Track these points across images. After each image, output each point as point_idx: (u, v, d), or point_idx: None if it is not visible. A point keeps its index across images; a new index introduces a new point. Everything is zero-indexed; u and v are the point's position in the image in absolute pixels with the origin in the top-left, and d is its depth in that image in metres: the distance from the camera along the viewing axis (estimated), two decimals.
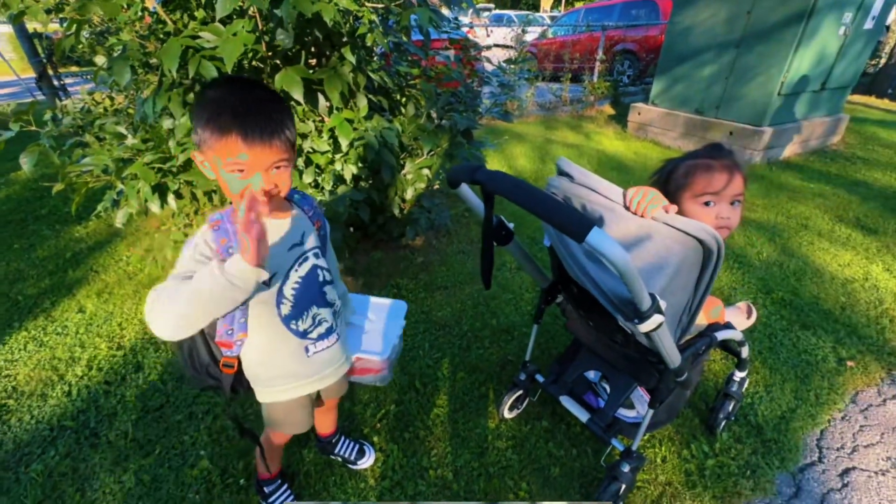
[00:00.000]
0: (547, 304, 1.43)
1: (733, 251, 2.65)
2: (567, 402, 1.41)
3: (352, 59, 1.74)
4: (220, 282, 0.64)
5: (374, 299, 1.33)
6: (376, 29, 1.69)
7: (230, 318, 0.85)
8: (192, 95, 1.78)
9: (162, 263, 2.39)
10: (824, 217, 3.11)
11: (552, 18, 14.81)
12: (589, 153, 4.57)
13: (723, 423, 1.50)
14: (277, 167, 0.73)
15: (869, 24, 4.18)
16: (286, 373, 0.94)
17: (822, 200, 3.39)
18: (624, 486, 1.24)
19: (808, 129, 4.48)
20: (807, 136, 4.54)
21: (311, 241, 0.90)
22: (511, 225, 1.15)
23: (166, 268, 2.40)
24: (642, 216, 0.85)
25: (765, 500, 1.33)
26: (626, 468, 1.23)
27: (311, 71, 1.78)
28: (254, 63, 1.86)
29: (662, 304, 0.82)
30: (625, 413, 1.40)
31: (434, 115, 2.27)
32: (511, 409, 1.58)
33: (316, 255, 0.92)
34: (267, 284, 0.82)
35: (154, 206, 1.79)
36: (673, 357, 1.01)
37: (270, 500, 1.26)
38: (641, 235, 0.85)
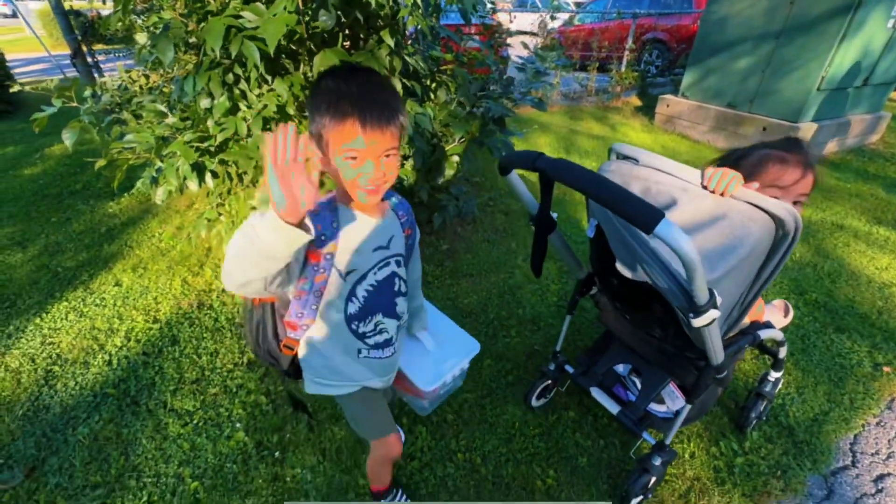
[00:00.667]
0: (582, 295, 1.42)
1: None
2: (597, 393, 1.42)
3: (391, 42, 1.72)
4: (249, 232, 0.59)
5: (452, 325, 1.25)
6: (417, 11, 1.67)
7: (303, 301, 0.82)
8: (230, 76, 1.79)
9: (196, 242, 2.45)
10: (861, 218, 3.01)
11: (578, 5, 14.45)
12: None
13: (754, 423, 1.49)
14: (388, 155, 0.72)
15: None
16: (333, 369, 0.92)
17: (859, 201, 3.28)
18: (654, 479, 1.25)
19: (846, 126, 4.32)
20: (845, 133, 4.37)
21: (397, 247, 0.88)
22: (555, 214, 1.14)
23: (199, 246, 2.45)
24: (721, 194, 0.83)
25: (795, 500, 1.32)
26: (657, 461, 1.23)
27: (349, 53, 1.77)
28: (291, 46, 1.86)
29: (718, 300, 0.81)
30: (655, 407, 1.40)
31: (465, 101, 2.25)
32: (539, 398, 1.59)
33: (398, 263, 0.90)
34: (343, 278, 0.81)
35: (193, 185, 1.82)
36: (718, 354, 1.00)
37: None
38: (717, 214, 0.83)
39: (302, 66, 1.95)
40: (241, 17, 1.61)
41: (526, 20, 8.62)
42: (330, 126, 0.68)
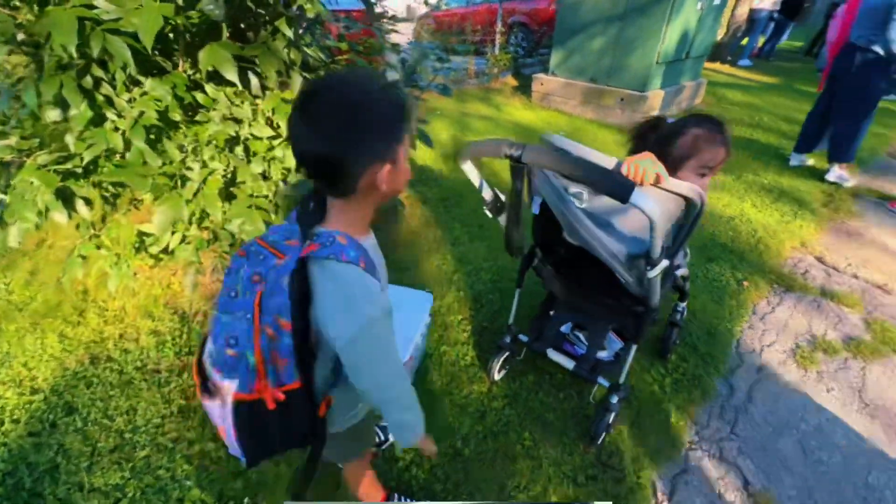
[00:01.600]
0: (527, 268, 1.53)
1: None
2: (553, 354, 1.55)
3: (289, 32, 1.59)
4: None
5: (399, 289, 1.18)
6: None
7: None
8: (88, 79, 1.47)
9: (69, 286, 1.99)
10: None
11: None
12: (504, 124, 4.77)
13: (671, 348, 1.79)
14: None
15: (717, 1, 4.94)
16: (354, 397, 0.88)
17: None
18: (614, 415, 1.43)
19: (681, 91, 5.22)
20: (679, 99, 5.28)
21: None
22: (503, 196, 1.20)
23: (72, 290, 2.01)
24: (641, 183, 0.95)
25: (711, 402, 1.63)
26: (615, 399, 1.40)
27: (240, 48, 1.58)
28: (170, 41, 1.60)
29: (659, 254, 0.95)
30: (600, 354, 1.59)
31: None
32: (500, 370, 1.68)
33: None
34: None
35: (60, 216, 1.47)
36: (657, 297, 1.17)
37: None
38: None
39: (181, 63, 1.69)
40: (93, 6, 1.33)
41: (390, 4, 8.53)
42: (404, 140, 0.66)
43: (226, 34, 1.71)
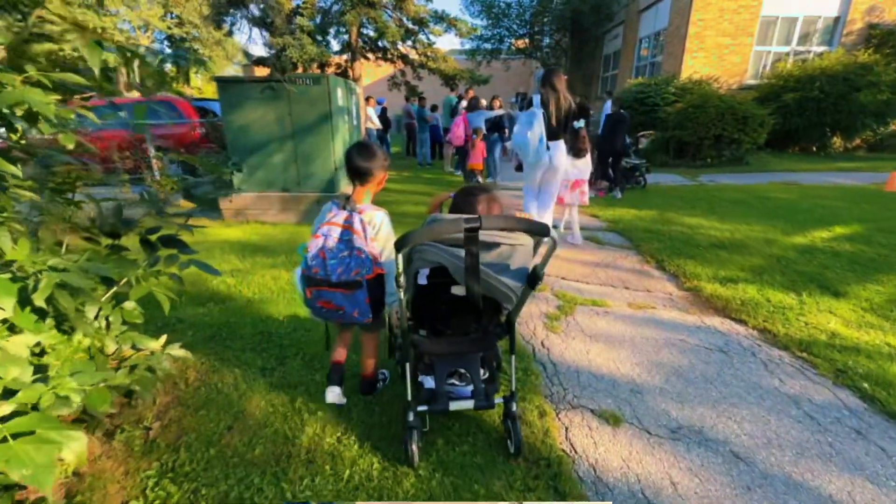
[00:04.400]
0: (410, 342, 1.66)
1: None
2: (454, 405, 1.72)
3: None
4: None
5: None
6: None
7: None
8: None
9: None
10: None
11: None
12: (217, 246, 4.36)
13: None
14: None
15: (354, 122, 6.51)
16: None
17: None
18: (519, 415, 1.75)
19: None
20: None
21: None
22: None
23: None
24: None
25: (544, 379, 2.23)
26: (514, 407, 1.73)
27: None
28: None
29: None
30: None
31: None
32: (417, 451, 1.67)
33: None
34: None
35: None
36: (522, 308, 1.62)
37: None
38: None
39: None
40: None
41: None
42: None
43: None
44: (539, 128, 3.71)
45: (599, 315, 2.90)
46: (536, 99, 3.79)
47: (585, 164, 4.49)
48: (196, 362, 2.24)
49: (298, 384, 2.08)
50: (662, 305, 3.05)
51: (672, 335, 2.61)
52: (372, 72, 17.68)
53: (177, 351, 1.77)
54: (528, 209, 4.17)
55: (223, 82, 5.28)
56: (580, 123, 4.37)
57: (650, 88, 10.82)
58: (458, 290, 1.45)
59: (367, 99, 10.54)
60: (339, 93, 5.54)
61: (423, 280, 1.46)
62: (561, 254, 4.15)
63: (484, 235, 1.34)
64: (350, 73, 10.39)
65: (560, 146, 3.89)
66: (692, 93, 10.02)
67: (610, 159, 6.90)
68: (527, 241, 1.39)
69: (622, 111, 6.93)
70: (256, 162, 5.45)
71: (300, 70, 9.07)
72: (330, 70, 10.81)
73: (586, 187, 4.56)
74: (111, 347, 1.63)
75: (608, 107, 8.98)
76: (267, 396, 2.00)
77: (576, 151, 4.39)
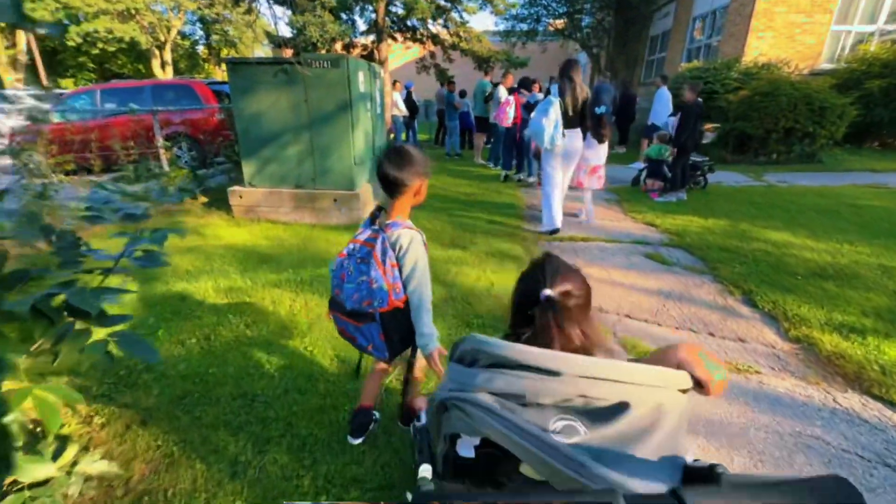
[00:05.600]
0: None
1: None
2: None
3: None
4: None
5: None
6: None
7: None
8: None
9: None
10: (436, 248, 4.09)
11: (40, 98, 11.32)
12: (219, 253, 3.84)
13: None
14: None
15: (378, 110, 5.84)
16: None
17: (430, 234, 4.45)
18: None
19: (377, 187, 5.77)
20: (378, 191, 5.83)
21: None
22: None
23: None
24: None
25: None
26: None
27: None
28: None
29: None
30: None
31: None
32: None
33: None
34: None
35: None
36: None
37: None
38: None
39: None
40: None
41: None
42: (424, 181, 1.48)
43: None
44: (555, 115, 3.93)
45: None
46: (555, 88, 4.07)
47: (605, 150, 4.71)
48: (151, 444, 1.68)
49: (279, 495, 1.48)
50: (768, 366, 2.30)
51: (799, 426, 1.87)
52: (399, 54, 16.90)
53: (92, 467, 1.20)
54: (552, 196, 4.36)
55: (233, 64, 4.70)
56: (602, 109, 4.73)
57: (708, 73, 9.61)
58: (530, 472, 0.80)
59: (394, 83, 9.85)
60: (361, 77, 4.88)
61: (467, 451, 0.81)
62: (619, 277, 3.41)
63: (585, 387, 0.68)
64: (376, 55, 9.68)
65: (576, 133, 4.16)
66: (759, 78, 8.80)
67: (669, 157, 5.98)
68: (672, 391, 0.71)
69: (699, 100, 5.84)
70: (269, 154, 4.89)
71: (322, 52, 8.44)
72: (355, 52, 10.14)
73: (602, 171, 4.81)
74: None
75: (663, 94, 7.97)
76: None
77: (598, 137, 4.59)
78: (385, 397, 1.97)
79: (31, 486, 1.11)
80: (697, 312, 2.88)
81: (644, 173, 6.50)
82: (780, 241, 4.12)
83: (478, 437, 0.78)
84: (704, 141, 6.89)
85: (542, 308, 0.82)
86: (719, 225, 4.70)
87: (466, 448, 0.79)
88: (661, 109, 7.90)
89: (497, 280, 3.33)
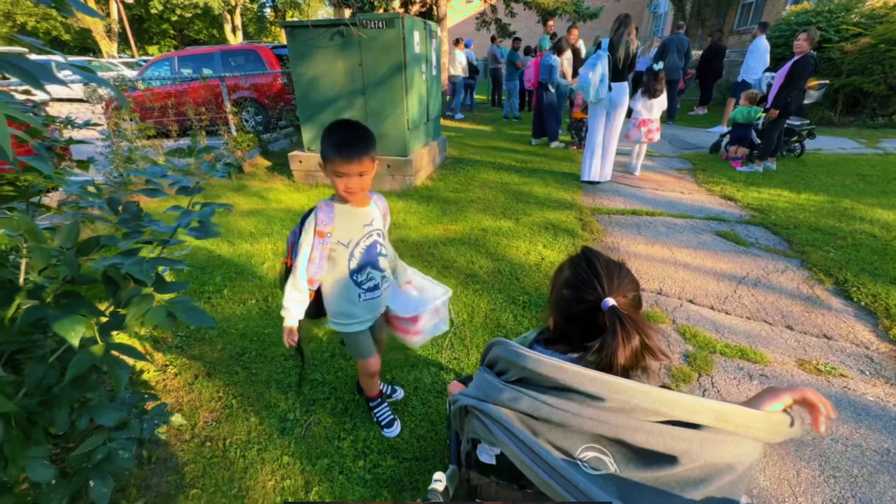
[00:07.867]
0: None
1: (480, 280, 2.95)
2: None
3: None
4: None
5: (427, 279, 1.68)
6: None
7: (316, 265, 1.36)
8: None
9: None
10: (487, 218, 3.99)
11: (130, 65, 12.41)
12: (279, 216, 4.04)
13: None
14: (361, 174, 1.28)
15: (434, 72, 5.65)
16: (343, 311, 1.45)
17: (482, 203, 4.36)
18: None
19: (435, 149, 5.68)
20: (433, 156, 5.75)
21: (377, 225, 1.43)
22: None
23: None
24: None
25: None
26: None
27: None
28: None
29: None
30: None
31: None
32: None
33: (378, 235, 1.43)
34: (345, 245, 1.37)
35: None
36: None
37: (374, 412, 1.72)
38: None
39: None
40: None
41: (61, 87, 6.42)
42: (334, 159, 1.26)
43: None
44: (602, 68, 4.19)
45: (754, 378, 1.98)
46: (605, 42, 4.31)
47: (660, 105, 4.91)
48: (213, 395, 1.86)
49: (321, 455, 1.58)
50: (857, 369, 2.02)
51: (888, 442, 1.64)
52: (458, 10, 16.09)
53: (168, 419, 1.33)
54: (592, 149, 4.67)
55: (291, 27, 4.73)
56: (660, 66, 4.88)
57: (821, 17, 8.15)
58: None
59: (457, 41, 9.44)
60: (416, 37, 4.71)
61: (488, 458, 0.77)
62: (685, 257, 3.13)
63: (624, 431, 0.60)
64: (435, 11, 9.28)
65: (623, 87, 4.43)
66: (889, 21, 7.31)
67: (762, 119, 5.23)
68: (747, 442, 0.62)
69: (812, 52, 4.88)
70: (325, 119, 4.95)
71: (380, 10, 8.23)
72: (413, 10, 9.79)
73: (654, 125, 4.94)
74: None
75: (760, 45, 6.91)
76: (278, 473, 1.54)
77: (651, 92, 4.85)
78: (407, 370, 1.99)
79: (110, 429, 1.27)
80: (776, 302, 2.58)
81: (727, 139, 5.78)
82: (893, 223, 3.52)
83: (496, 449, 0.74)
84: (806, 101, 5.94)
85: (607, 319, 0.72)
86: (814, 201, 4.11)
87: (487, 455, 0.75)
88: (755, 64, 6.89)
89: (548, 255, 3.19)
